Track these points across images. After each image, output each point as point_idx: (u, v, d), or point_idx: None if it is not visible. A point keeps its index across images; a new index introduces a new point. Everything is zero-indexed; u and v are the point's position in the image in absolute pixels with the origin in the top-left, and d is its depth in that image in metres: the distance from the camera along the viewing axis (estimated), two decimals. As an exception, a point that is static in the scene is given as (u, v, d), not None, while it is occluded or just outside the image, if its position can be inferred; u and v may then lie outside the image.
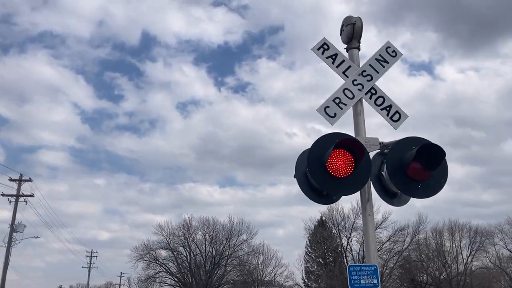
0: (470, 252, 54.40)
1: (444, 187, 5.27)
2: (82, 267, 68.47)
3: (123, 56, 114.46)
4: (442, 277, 54.08)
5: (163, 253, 57.50)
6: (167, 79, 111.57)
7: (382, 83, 5.98)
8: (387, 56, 6.14)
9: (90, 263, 68.22)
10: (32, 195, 39.48)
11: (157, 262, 56.71)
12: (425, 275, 55.29)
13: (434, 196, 5.26)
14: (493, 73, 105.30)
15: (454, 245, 55.29)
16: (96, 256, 69.22)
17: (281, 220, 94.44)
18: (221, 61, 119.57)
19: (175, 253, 56.88)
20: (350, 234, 53.92)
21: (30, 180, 39.69)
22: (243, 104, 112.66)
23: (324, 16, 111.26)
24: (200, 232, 58.07)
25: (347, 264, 48.36)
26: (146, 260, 55.77)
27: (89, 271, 68.23)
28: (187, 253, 57.15)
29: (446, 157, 5.16)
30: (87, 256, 68.68)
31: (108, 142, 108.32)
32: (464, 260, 54.36)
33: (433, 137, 5.33)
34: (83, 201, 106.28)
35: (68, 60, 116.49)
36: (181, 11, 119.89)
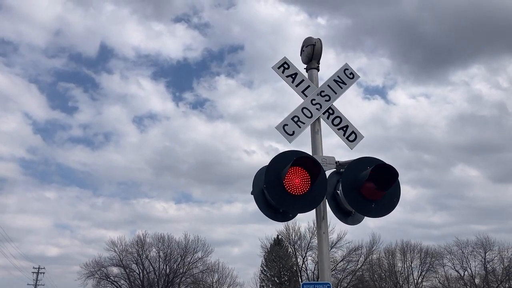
0: (421, 273, 55.89)
1: (396, 208, 5.41)
2: (28, 284, 65.28)
3: (78, 67, 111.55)
4: (393, 297, 55.11)
5: (115, 270, 55.84)
6: (123, 92, 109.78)
7: (339, 104, 6.14)
8: (345, 77, 6.31)
9: (37, 280, 65.12)
10: (-24, 207, 37.63)
11: (108, 279, 54.93)
12: (377, 295, 56.18)
13: (387, 215, 5.39)
14: (442, 100, 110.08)
15: (405, 266, 56.66)
16: (44, 273, 66.16)
17: (237, 238, 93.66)
18: (180, 77, 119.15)
19: (127, 270, 55.31)
20: (305, 253, 54.32)
21: (-25, 191, 37.87)
22: (201, 120, 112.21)
23: (284, 38, 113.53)
24: (154, 249, 56.90)
25: (302, 283, 48.44)
26: (96, 278, 53.93)
27: (35, 289, 65.18)
28: (140, 271, 55.71)
29: (399, 179, 5.31)
30: (33, 272, 65.51)
31: (60, 154, 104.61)
32: (415, 280, 55.70)
33: (386, 159, 5.48)
34: (31, 215, 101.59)
35: (21, 69, 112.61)
36: (141, 24, 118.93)
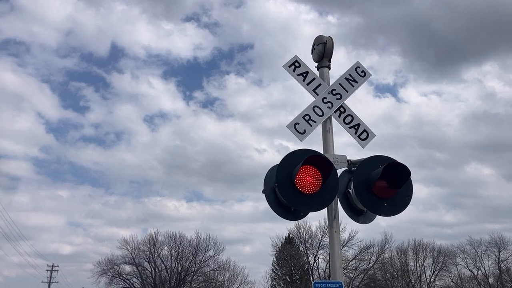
0: (433, 272, 55.49)
1: (408, 207, 5.37)
2: (42, 282, 66.05)
3: (90, 67, 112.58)
4: (406, 296, 54.75)
5: (127, 268, 56.30)
6: (134, 91, 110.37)
7: (350, 102, 6.11)
8: (356, 75, 6.27)
9: (51, 278, 65.91)
10: (-9, 206, 38.09)
11: (121, 277, 55.39)
12: (389, 294, 55.86)
13: (399, 214, 5.35)
14: (454, 97, 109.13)
15: (418, 265, 56.29)
16: (57, 271, 67.01)
17: (248, 237, 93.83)
18: (190, 76, 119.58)
19: (139, 269, 55.68)
20: (317, 252, 54.19)
21: (-10, 190, 38.29)
22: (212, 119, 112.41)
23: (294, 36, 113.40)
24: (166, 247, 57.23)
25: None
26: (109, 275, 54.44)
27: (49, 286, 65.89)
28: (152, 269, 56.07)
29: (412, 177, 5.27)
30: (47, 270, 66.38)
31: (73, 153, 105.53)
32: (428, 280, 55.31)
33: (398, 158, 5.43)
34: (45, 213, 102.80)
35: (33, 69, 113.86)
36: (151, 24, 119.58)
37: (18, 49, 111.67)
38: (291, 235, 58.24)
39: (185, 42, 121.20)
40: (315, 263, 54.45)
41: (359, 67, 6.36)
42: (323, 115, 5.85)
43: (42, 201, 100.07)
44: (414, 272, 56.15)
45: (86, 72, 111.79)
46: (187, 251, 57.05)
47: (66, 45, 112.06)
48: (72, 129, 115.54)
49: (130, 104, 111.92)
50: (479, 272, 54.65)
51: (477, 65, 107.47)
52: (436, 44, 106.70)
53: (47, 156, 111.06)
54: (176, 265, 56.47)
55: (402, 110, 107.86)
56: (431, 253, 56.27)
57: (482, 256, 54.69)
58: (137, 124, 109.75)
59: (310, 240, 55.11)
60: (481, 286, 54.14)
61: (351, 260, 52.96)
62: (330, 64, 6.22)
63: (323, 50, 6.10)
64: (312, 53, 6.33)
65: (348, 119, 6.02)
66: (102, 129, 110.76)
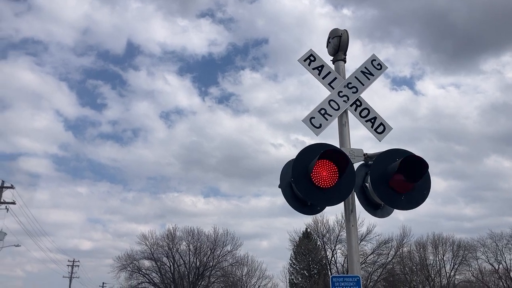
0: (453, 266, 54.84)
1: (427, 200, 5.32)
2: (64, 277, 67.31)
3: (106, 65, 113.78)
4: (425, 290, 54.29)
5: (146, 263, 56.85)
6: (150, 88, 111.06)
7: (366, 96, 6.06)
8: (372, 68, 6.21)
9: (72, 273, 67.12)
10: (13, 203, 38.78)
11: (140, 272, 55.99)
12: (408, 288, 55.46)
13: (417, 208, 5.30)
14: (473, 89, 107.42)
15: (437, 259, 55.70)
16: (78, 266, 68.19)
17: (265, 232, 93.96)
18: (205, 72, 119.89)
19: (158, 264, 56.23)
20: (335, 246, 53.99)
21: (12, 187, 38.96)
22: (227, 114, 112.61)
23: (309, 30, 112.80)
24: (184, 243, 57.60)
25: (332, 276, 48.09)
26: (129, 270, 55.04)
27: (70, 281, 67.09)
28: (171, 264, 56.56)
29: (430, 171, 5.21)
30: (68, 265, 67.57)
31: (91, 150, 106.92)
32: (447, 274, 54.73)
33: (417, 151, 5.37)
34: (64, 210, 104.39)
35: (51, 67, 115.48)
36: (166, 20, 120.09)
37: (36, 48, 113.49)
38: (308, 230, 58.21)
39: (200, 38, 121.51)
40: (333, 258, 54.35)
41: (375, 60, 6.30)
42: (339, 109, 5.81)
43: (62, 198, 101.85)
44: (434, 266, 55.61)
45: (103, 70, 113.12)
46: (205, 246, 57.42)
47: (83, 44, 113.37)
48: (90, 126, 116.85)
49: (147, 101, 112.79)
50: (500, 266, 53.89)
51: (496, 56, 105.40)
52: (453, 36, 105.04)
53: (66, 153, 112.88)
54: (195, 260, 56.89)
55: (420, 103, 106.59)
56: (451, 247, 55.63)
57: (503, 249, 53.82)
58: (153, 121, 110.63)
59: (327, 234, 54.98)
60: (502, 280, 53.37)
61: (369, 255, 52.71)
62: (345, 58, 6.17)
63: (338, 43, 6.06)
64: (327, 47, 6.29)
65: (364, 113, 5.97)
66: (119, 126, 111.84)
